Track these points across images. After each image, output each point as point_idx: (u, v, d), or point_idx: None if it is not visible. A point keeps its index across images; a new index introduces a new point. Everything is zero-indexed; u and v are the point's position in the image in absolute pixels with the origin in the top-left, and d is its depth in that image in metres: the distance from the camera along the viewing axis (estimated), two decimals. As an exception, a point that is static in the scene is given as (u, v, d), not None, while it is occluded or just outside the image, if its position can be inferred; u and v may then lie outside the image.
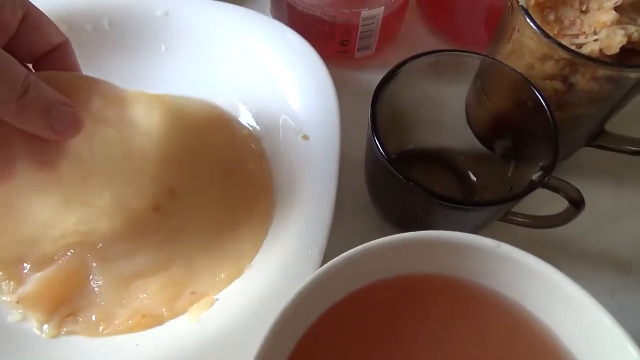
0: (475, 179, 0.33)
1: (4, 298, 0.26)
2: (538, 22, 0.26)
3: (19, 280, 0.27)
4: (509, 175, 0.29)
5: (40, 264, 0.28)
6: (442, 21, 0.40)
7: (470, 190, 0.33)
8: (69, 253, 0.29)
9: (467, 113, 0.33)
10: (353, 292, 0.22)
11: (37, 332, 0.26)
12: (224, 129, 0.34)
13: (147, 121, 0.33)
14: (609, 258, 0.32)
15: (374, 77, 0.39)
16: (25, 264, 0.28)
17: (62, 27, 0.34)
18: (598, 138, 0.32)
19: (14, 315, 0.26)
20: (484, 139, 0.33)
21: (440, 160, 0.34)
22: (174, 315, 0.27)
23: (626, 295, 0.31)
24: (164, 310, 0.27)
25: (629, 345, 0.18)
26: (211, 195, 0.32)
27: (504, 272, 0.21)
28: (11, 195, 0.29)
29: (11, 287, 0.27)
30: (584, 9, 0.26)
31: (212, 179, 0.32)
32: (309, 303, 0.20)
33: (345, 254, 0.20)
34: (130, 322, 0.27)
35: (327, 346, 0.22)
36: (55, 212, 0.29)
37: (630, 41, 0.25)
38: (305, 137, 0.31)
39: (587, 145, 0.32)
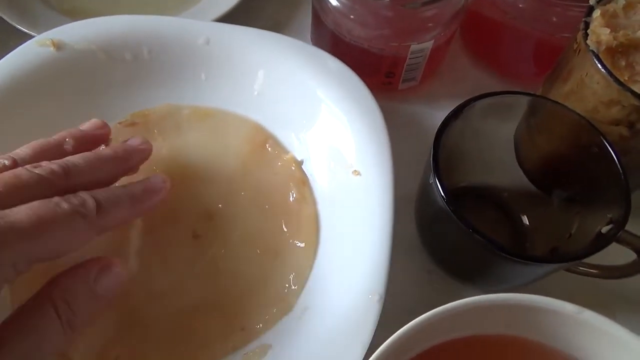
0: (527, 222, 0.32)
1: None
2: (609, 68, 0.25)
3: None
4: (569, 222, 0.28)
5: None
6: (486, 54, 0.39)
7: (522, 234, 0.32)
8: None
9: (516, 151, 0.32)
10: (427, 349, 0.21)
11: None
12: (267, 151, 0.33)
13: (190, 137, 0.33)
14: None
15: (417, 109, 0.38)
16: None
17: (101, 57, 0.33)
18: (657, 182, 0.31)
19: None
20: (536, 179, 0.32)
21: (491, 199, 0.33)
22: (228, 352, 0.26)
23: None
24: (217, 348, 0.26)
25: None
26: (250, 220, 0.31)
27: (585, 338, 0.20)
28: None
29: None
30: (657, 55, 0.25)
31: (252, 203, 0.31)
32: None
33: (426, 315, 0.19)
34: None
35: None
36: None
37: None
38: (357, 173, 0.30)
39: (645, 189, 0.31)
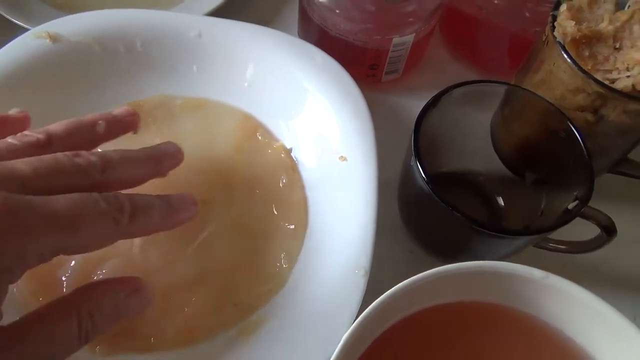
0: (503, 203, 0.34)
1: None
2: (574, 57, 0.27)
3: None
4: (540, 201, 0.30)
5: (78, 284, 0.28)
6: (464, 47, 0.41)
7: (497, 214, 0.34)
8: (105, 270, 0.29)
9: (492, 138, 0.34)
10: (406, 317, 0.22)
11: (89, 352, 0.26)
12: (257, 140, 0.35)
13: (183, 126, 0.34)
14: (631, 283, 0.33)
15: (399, 99, 0.40)
16: (63, 286, 0.28)
17: (96, 49, 0.34)
18: (621, 165, 0.33)
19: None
20: (510, 163, 0.34)
21: (468, 184, 0.35)
22: (221, 329, 0.28)
23: (648, 319, 0.32)
24: (211, 323, 0.28)
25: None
26: (243, 205, 0.32)
27: (551, 301, 0.22)
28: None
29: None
30: (617, 46, 0.27)
31: (244, 189, 0.33)
32: (367, 329, 0.21)
33: (403, 282, 0.21)
34: (180, 336, 0.27)
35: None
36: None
37: (662, 78, 0.26)
38: (343, 158, 0.31)
39: (610, 171, 0.34)
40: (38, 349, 0.20)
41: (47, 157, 0.22)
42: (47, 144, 0.24)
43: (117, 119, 0.28)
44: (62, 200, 0.21)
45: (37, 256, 0.20)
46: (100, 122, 0.26)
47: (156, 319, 0.28)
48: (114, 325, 0.23)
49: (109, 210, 0.22)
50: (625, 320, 0.20)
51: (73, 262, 0.29)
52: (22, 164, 0.22)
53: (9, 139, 0.24)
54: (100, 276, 0.29)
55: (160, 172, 0.28)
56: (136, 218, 0.23)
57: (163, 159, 0.27)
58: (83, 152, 0.24)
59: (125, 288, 0.24)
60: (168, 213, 0.25)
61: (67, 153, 0.23)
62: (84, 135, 0.25)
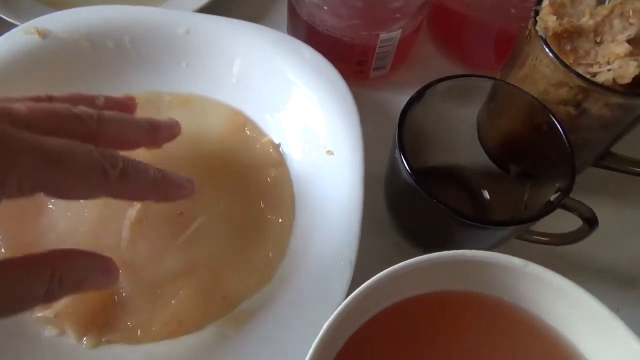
0: (488, 197, 0.34)
1: (39, 314, 0.27)
2: (555, 52, 0.27)
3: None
4: (524, 194, 0.30)
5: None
6: (451, 44, 0.42)
7: (483, 207, 0.34)
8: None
9: (478, 132, 0.35)
10: (389, 306, 0.23)
11: (76, 343, 0.26)
12: (245, 135, 0.35)
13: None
14: (614, 274, 0.34)
15: (387, 95, 0.41)
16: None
17: (85, 45, 0.34)
18: (604, 159, 0.33)
19: (51, 330, 0.26)
20: (496, 157, 0.34)
21: (454, 177, 0.35)
22: (209, 320, 0.28)
23: (632, 310, 0.32)
24: (198, 315, 0.28)
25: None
26: (232, 199, 0.32)
27: (531, 290, 0.22)
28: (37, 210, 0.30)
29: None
30: (598, 40, 0.28)
31: (233, 183, 0.33)
32: (349, 318, 0.21)
33: (386, 271, 0.21)
34: (167, 328, 0.27)
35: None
36: (82, 224, 0.30)
37: (642, 71, 0.26)
38: (330, 153, 0.32)
39: (594, 165, 0.34)
40: (11, 289, 0.20)
41: (44, 103, 0.22)
42: (47, 101, 0.24)
43: (116, 98, 0.28)
44: (53, 139, 0.21)
45: (16, 185, 0.20)
46: (100, 97, 0.27)
47: (144, 312, 0.28)
48: (71, 294, 0.23)
49: (100, 160, 0.22)
50: (602, 306, 0.21)
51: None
52: (19, 104, 0.22)
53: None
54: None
55: (156, 141, 0.28)
56: (127, 177, 0.23)
57: (160, 126, 0.28)
58: (81, 105, 0.24)
59: (99, 265, 0.24)
60: (162, 182, 0.25)
61: (64, 104, 0.23)
62: (84, 104, 0.25)
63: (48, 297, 0.21)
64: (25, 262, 0.21)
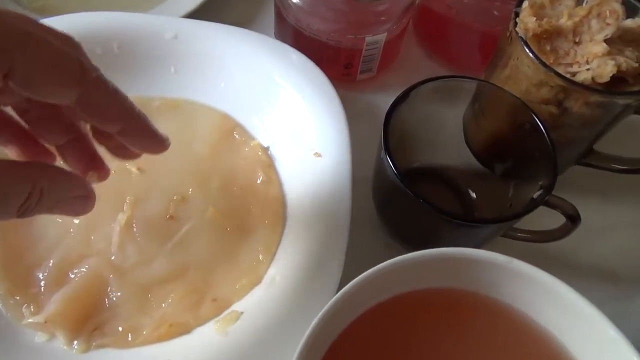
0: (474, 196, 0.35)
1: (30, 320, 0.27)
2: (536, 52, 0.28)
3: (38, 301, 0.28)
4: (509, 193, 0.31)
5: (55, 283, 0.29)
6: (437, 46, 0.42)
7: (470, 207, 0.35)
8: (83, 269, 0.29)
9: (464, 133, 0.35)
10: (375, 305, 0.23)
11: (67, 348, 0.26)
12: (234, 139, 0.35)
13: (161, 126, 0.35)
14: (598, 269, 0.34)
15: (373, 98, 0.41)
16: (40, 284, 0.29)
17: (73, 50, 0.34)
18: (587, 157, 0.34)
19: (41, 336, 0.26)
20: (482, 157, 0.35)
21: (441, 178, 0.36)
22: (200, 322, 0.28)
23: (615, 304, 0.33)
24: (188, 318, 0.28)
25: (634, 357, 0.20)
26: (221, 201, 0.33)
27: (515, 286, 0.23)
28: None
29: (32, 309, 0.27)
30: (577, 40, 0.28)
31: (222, 186, 0.33)
32: (336, 318, 0.21)
33: (371, 270, 0.21)
34: (158, 331, 0.27)
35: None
36: (72, 229, 0.30)
37: (619, 70, 0.27)
38: (318, 155, 0.32)
39: (577, 163, 0.35)
40: None
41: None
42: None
43: None
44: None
45: None
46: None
47: (135, 315, 0.28)
48: (45, 212, 0.21)
49: (78, 56, 0.20)
50: (584, 300, 0.21)
51: (51, 261, 0.29)
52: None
53: None
54: (79, 275, 0.29)
55: (139, 137, 0.24)
56: (105, 84, 0.21)
57: (155, 133, 0.24)
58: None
59: (82, 190, 0.22)
60: (139, 117, 0.23)
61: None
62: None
63: (24, 211, 0.20)
64: (9, 168, 0.19)
